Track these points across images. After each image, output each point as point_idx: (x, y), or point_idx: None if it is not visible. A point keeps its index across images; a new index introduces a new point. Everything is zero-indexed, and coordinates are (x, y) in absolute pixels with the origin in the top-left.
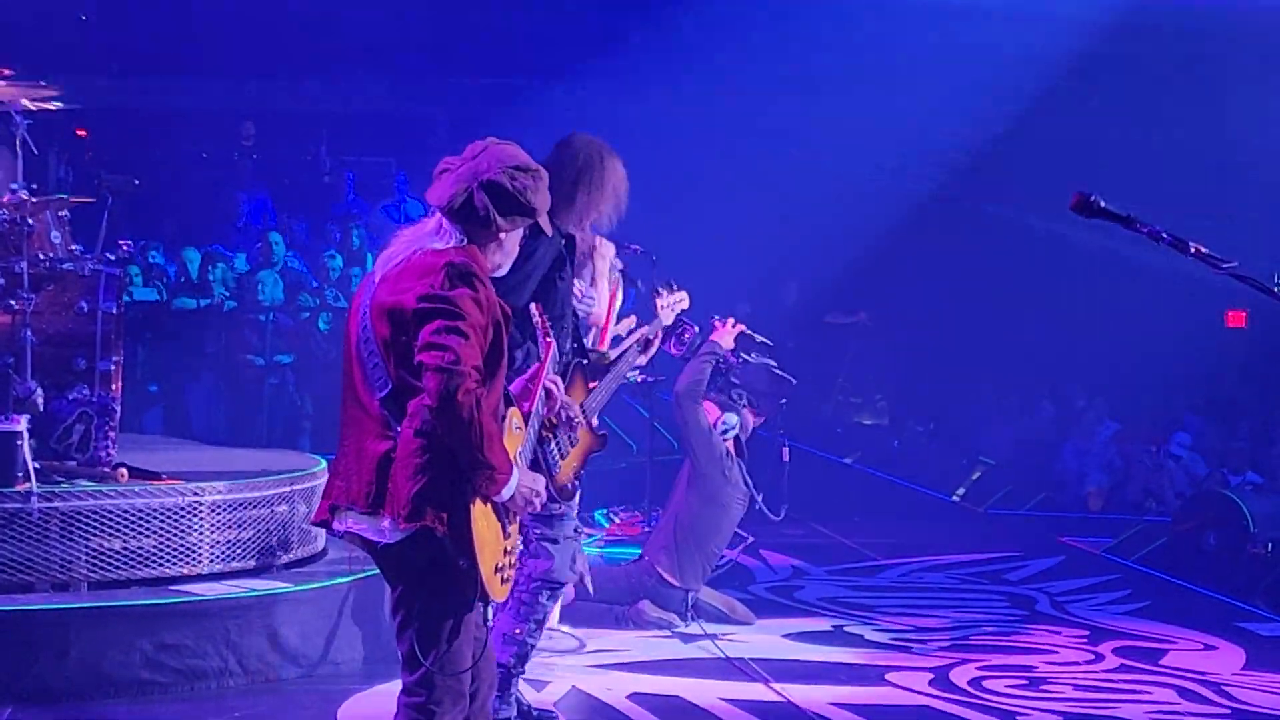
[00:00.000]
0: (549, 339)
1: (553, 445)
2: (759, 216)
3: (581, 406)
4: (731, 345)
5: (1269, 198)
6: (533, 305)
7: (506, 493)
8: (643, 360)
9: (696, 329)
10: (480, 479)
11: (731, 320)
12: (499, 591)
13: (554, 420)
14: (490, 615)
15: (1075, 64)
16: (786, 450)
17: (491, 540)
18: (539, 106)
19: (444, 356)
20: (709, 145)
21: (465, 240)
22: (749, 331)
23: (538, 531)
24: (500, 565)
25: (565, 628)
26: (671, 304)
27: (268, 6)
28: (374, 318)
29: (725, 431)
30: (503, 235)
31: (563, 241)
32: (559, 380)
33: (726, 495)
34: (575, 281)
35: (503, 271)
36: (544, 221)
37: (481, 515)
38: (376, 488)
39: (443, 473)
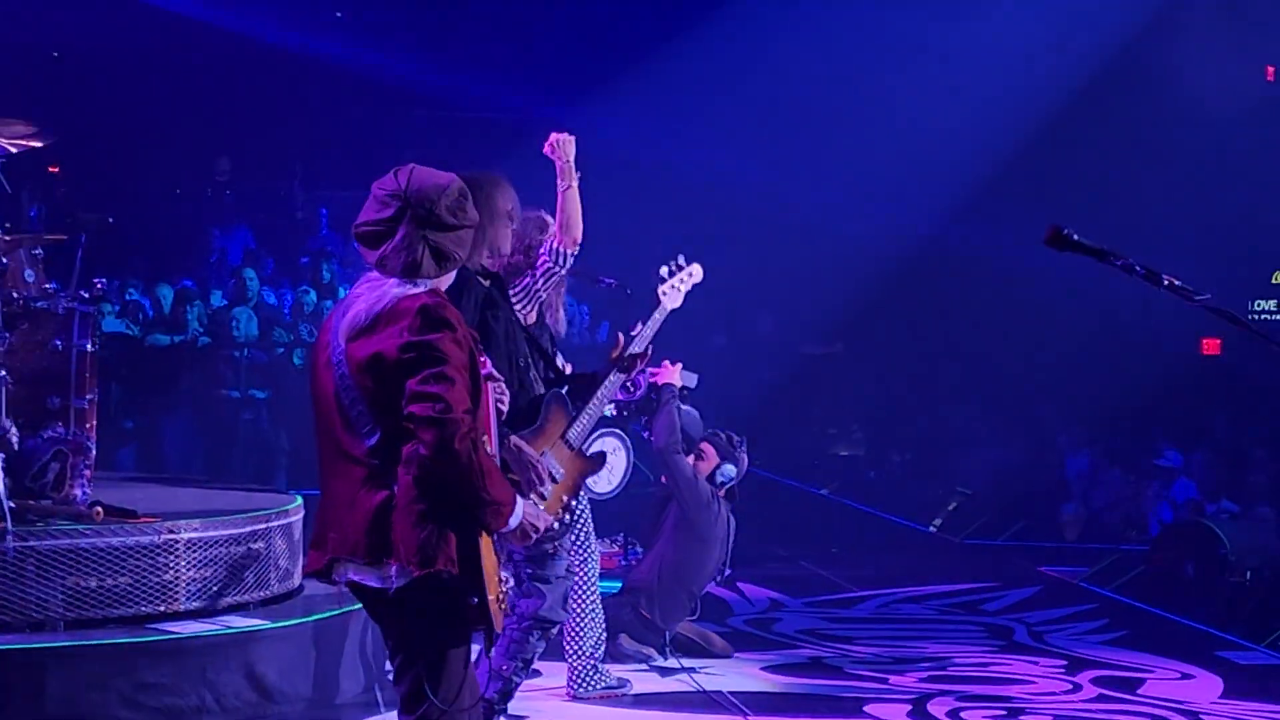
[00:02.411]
0: (483, 356)
1: (531, 497)
2: (733, 247)
3: (564, 436)
4: (680, 382)
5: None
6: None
7: (514, 522)
8: (624, 378)
9: (646, 371)
10: (488, 515)
11: (667, 362)
12: (499, 622)
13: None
14: (490, 649)
15: (1057, 105)
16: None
17: (492, 572)
18: (511, 140)
19: (435, 407)
20: (683, 177)
21: (430, 282)
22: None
23: (529, 571)
24: (500, 596)
25: (611, 667)
26: (678, 284)
27: (243, 43)
28: (353, 368)
29: (725, 482)
30: (459, 255)
31: (487, 283)
32: (503, 381)
33: (712, 536)
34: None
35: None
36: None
37: (485, 549)
38: (377, 537)
39: (448, 515)
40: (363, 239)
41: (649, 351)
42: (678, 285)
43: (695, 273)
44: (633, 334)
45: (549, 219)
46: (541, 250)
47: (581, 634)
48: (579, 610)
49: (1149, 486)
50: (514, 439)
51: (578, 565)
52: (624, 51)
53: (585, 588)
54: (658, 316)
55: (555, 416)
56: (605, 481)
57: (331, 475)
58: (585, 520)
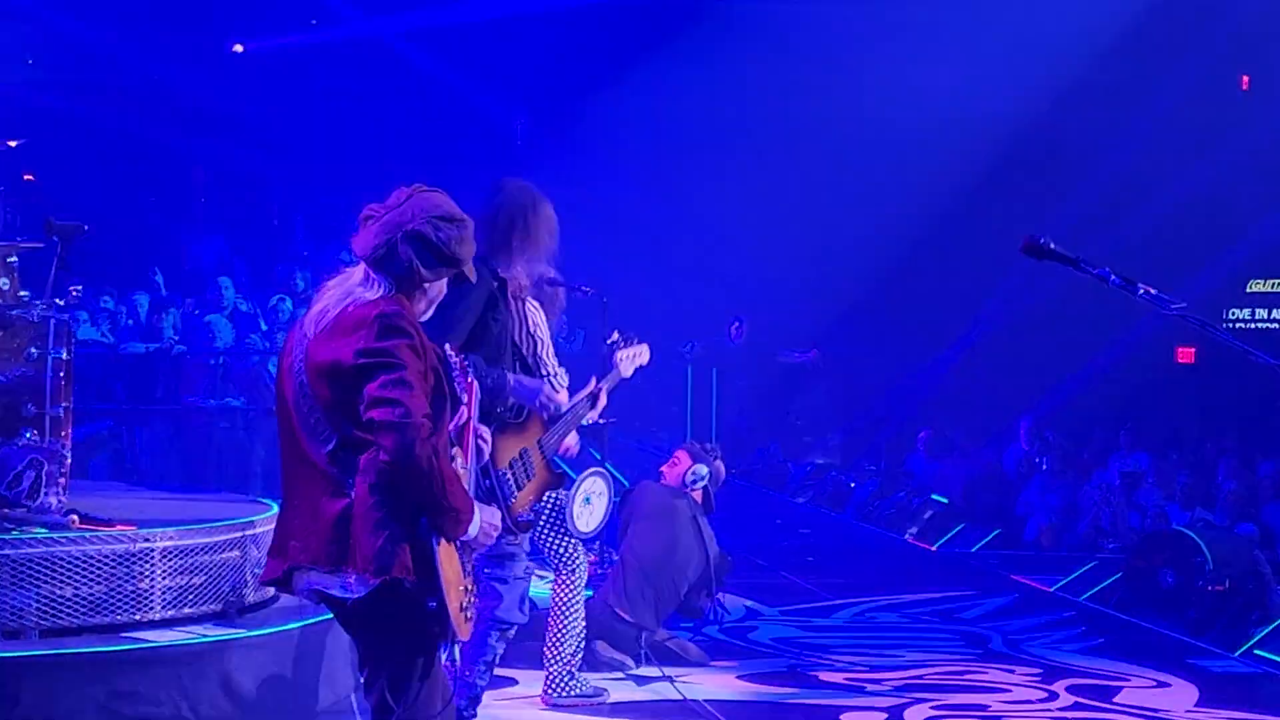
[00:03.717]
0: (470, 379)
1: (509, 476)
2: (710, 255)
3: (539, 443)
4: None
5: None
6: (448, 346)
7: (472, 531)
8: (592, 416)
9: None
10: (446, 523)
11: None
12: (465, 630)
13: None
14: (458, 655)
15: (1031, 117)
16: None
17: (455, 580)
18: (487, 151)
19: (394, 411)
20: (658, 185)
21: (393, 289)
22: None
23: (487, 571)
24: (464, 605)
25: (589, 675)
26: (631, 356)
27: (218, 51)
28: (311, 377)
29: (694, 482)
30: (426, 285)
31: (495, 283)
32: (487, 433)
33: (674, 526)
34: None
35: (425, 317)
36: (469, 270)
37: (445, 556)
38: (338, 546)
39: (403, 523)
40: (360, 222)
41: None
42: (629, 357)
43: (643, 353)
44: (597, 389)
45: None
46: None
47: (562, 641)
48: (561, 617)
49: (1120, 494)
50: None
51: (565, 575)
52: (600, 66)
53: (570, 596)
54: (613, 381)
55: (534, 421)
56: (585, 521)
57: (294, 482)
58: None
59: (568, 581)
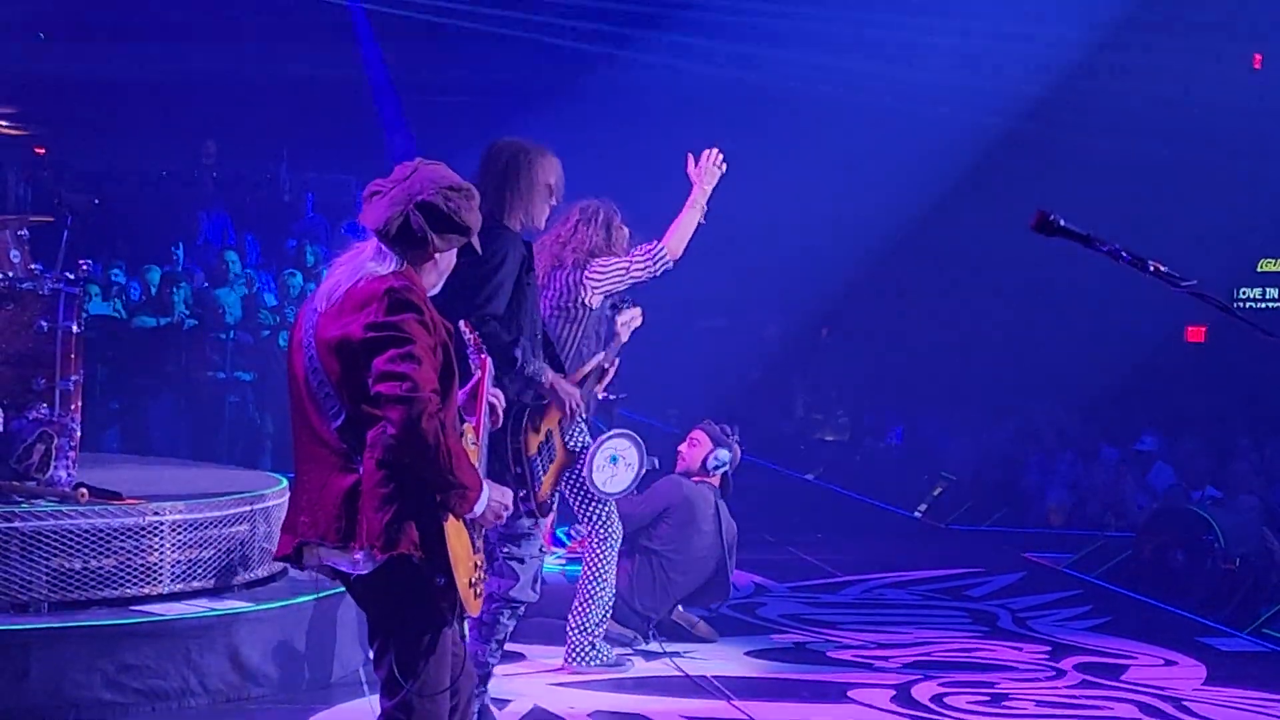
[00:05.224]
0: (483, 355)
1: (538, 462)
2: (731, 236)
3: (560, 424)
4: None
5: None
6: (462, 323)
7: (479, 509)
8: (598, 391)
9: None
10: (453, 499)
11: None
12: (474, 606)
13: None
14: (466, 631)
15: (1042, 92)
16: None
17: (464, 556)
18: (497, 127)
19: (402, 385)
20: (658, 166)
21: (404, 263)
22: None
23: (504, 550)
24: (473, 580)
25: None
26: (627, 321)
27: (227, 27)
28: (321, 352)
29: (717, 467)
30: (438, 255)
31: (524, 249)
32: (500, 394)
33: (698, 522)
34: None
35: (435, 290)
36: (475, 242)
37: (454, 532)
38: (346, 522)
39: (411, 498)
40: (366, 199)
41: (615, 365)
42: (625, 324)
43: (636, 317)
44: (604, 363)
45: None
46: (645, 247)
47: (588, 609)
48: (590, 587)
49: (1128, 473)
50: (550, 374)
51: (597, 545)
52: (601, 53)
53: (602, 565)
54: (616, 347)
55: (554, 404)
56: (605, 480)
57: (304, 458)
58: (609, 502)
59: (600, 550)
